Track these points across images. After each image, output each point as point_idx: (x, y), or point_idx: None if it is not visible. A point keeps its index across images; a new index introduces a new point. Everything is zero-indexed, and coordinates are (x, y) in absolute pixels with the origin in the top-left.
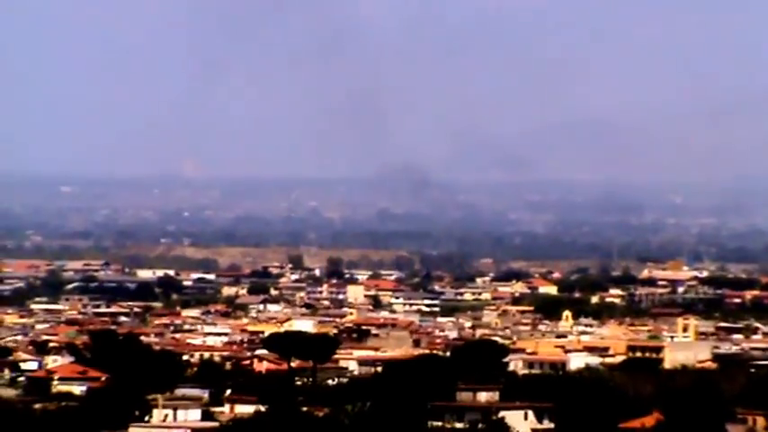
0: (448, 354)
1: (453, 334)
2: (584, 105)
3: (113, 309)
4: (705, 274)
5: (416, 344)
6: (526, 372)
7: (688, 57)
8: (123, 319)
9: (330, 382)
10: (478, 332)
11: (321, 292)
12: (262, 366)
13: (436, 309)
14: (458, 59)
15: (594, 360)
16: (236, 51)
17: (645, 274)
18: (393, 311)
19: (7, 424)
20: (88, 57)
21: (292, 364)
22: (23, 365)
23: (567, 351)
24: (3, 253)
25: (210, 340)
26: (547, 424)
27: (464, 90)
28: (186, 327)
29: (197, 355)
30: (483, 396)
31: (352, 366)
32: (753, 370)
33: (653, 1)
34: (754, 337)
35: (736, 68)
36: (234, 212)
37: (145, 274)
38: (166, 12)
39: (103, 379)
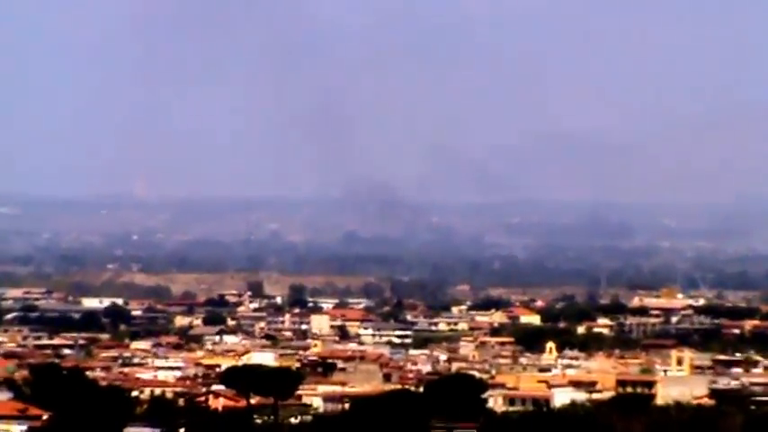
0: (421, 389)
1: (427, 367)
2: (568, 118)
3: (56, 341)
4: (701, 302)
5: (387, 378)
6: (506, 409)
7: (684, 66)
8: (67, 351)
9: (293, 420)
10: (454, 365)
11: (283, 323)
12: (218, 403)
13: (408, 340)
14: (429, 69)
15: (581, 396)
16: (189, 61)
17: (635, 302)
18: (361, 343)
19: None
20: (27, 68)
21: (251, 401)
22: None
23: (550, 386)
24: None
25: (162, 375)
26: None
27: (437, 102)
28: (135, 360)
29: (147, 390)
30: None
31: (317, 403)
32: (753, 407)
33: (645, 4)
34: (755, 370)
35: (736, 81)
36: (187, 236)
37: (90, 302)
38: (114, 21)
39: (45, 417)
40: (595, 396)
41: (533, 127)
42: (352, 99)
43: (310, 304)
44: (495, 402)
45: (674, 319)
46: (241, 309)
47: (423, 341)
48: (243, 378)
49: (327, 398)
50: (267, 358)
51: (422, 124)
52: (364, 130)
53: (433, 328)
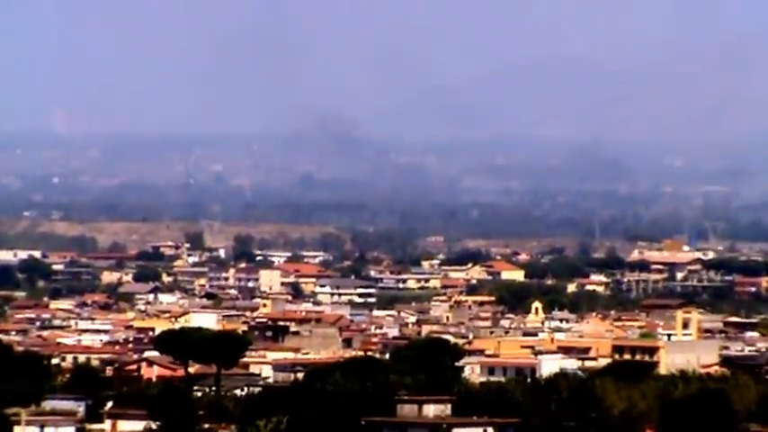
0: (387, 356)
1: (394, 331)
2: (557, 41)
3: None
4: (711, 255)
5: (347, 344)
6: (485, 378)
7: None
8: None
9: (238, 391)
10: (425, 329)
11: (226, 279)
12: (152, 372)
13: (372, 299)
14: None
15: (572, 364)
16: None
17: (635, 256)
18: (317, 303)
19: None
20: None
21: (190, 370)
22: None
23: (536, 353)
24: None
25: (87, 339)
26: None
27: (403, 20)
28: (56, 322)
29: (69, 357)
30: (431, 410)
31: (266, 372)
32: None
33: None
34: None
35: (753, 2)
36: (116, 178)
37: (3, 255)
38: None
39: None
40: (588, 364)
41: (517, 51)
42: (301, 18)
43: (258, 258)
44: (473, 371)
45: (679, 276)
46: (178, 263)
47: (389, 301)
48: (180, 343)
49: (278, 366)
50: (208, 320)
51: (384, 46)
52: (318, 55)
53: (401, 285)
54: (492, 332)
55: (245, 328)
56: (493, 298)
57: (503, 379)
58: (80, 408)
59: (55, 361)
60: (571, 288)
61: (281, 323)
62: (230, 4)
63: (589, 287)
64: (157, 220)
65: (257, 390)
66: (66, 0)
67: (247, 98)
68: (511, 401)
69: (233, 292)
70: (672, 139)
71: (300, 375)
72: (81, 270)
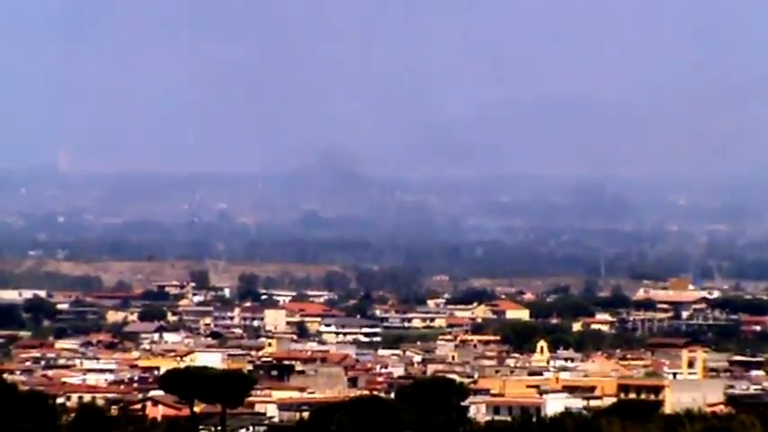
0: (392, 395)
1: (399, 370)
2: (561, 78)
3: None
4: (716, 294)
5: (352, 383)
6: (490, 418)
7: (698, 20)
8: None
9: (243, 430)
10: (430, 368)
11: (232, 318)
12: (157, 411)
13: (377, 339)
14: (394, 17)
15: (577, 403)
16: (118, 13)
17: (640, 294)
18: (322, 342)
19: None
20: None
21: (196, 409)
22: None
23: (541, 392)
24: None
25: (92, 379)
26: None
27: (405, 58)
28: (61, 361)
29: (75, 397)
30: None
31: (272, 411)
32: None
33: None
34: None
35: (758, 39)
36: (121, 217)
37: (8, 295)
38: None
39: None
40: (593, 403)
41: (521, 88)
42: (303, 57)
43: (264, 297)
44: (478, 411)
45: (684, 314)
46: (183, 302)
47: (394, 340)
48: (186, 382)
49: (283, 405)
50: (214, 359)
51: (388, 85)
52: (321, 93)
53: (406, 324)
54: (497, 371)
55: (250, 367)
56: (498, 337)
57: (508, 418)
58: None
59: (60, 400)
60: (576, 327)
61: (287, 362)
62: (232, 43)
63: (594, 326)
64: (162, 260)
65: (263, 429)
66: (70, 40)
67: (250, 136)
68: None
69: (238, 331)
70: (675, 177)
71: (306, 415)
72: (86, 309)
